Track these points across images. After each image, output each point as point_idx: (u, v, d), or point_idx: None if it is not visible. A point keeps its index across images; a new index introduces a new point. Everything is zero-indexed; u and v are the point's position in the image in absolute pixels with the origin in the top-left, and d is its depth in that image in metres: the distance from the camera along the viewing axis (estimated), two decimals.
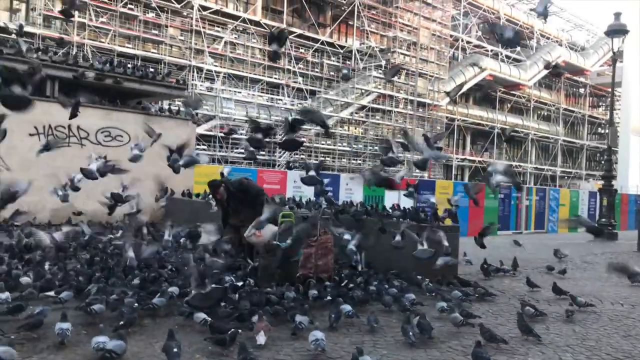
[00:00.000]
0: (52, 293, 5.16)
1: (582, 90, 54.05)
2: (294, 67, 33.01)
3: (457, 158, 40.80)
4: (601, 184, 16.76)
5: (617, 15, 15.66)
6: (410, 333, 4.37)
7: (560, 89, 51.04)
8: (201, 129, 26.47)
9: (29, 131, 11.55)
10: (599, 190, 17.13)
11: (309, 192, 12.21)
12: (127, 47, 27.24)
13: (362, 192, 15.88)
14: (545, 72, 44.80)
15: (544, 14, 6.25)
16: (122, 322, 4.31)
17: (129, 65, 15.57)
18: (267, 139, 6.08)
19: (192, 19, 29.62)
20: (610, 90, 18.64)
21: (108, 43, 26.77)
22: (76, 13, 25.71)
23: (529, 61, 44.73)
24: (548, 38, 48.75)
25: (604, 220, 15.74)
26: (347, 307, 4.88)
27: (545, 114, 50.71)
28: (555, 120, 50.42)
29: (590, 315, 5.60)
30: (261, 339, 4.10)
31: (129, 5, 28.03)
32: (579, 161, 52.51)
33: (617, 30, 15.65)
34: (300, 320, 4.51)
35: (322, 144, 32.61)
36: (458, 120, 40.79)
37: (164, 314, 4.95)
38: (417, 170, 36.69)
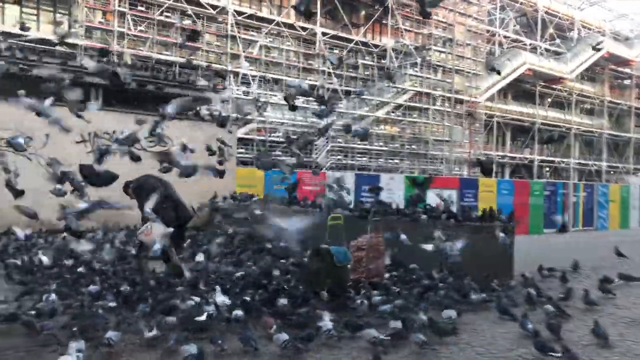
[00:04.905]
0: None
1: (627, 82, 51.97)
2: (328, 68, 32.88)
3: (497, 155, 39.76)
4: None
5: None
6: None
7: (604, 80, 49.19)
8: (240, 133, 26.59)
9: (75, 139, 11.73)
10: None
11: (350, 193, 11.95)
12: (165, 54, 27.66)
13: (403, 193, 15.59)
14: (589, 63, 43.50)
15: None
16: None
17: (169, 72, 15.70)
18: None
19: (227, 24, 29.86)
20: None
21: (146, 51, 27.25)
22: (115, 23, 26.43)
23: (570, 53, 43.29)
24: (589, 29, 47.07)
25: None
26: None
27: (589, 107, 48.97)
28: (600, 113, 48.61)
29: None
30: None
31: (166, 13, 28.46)
32: (626, 155, 50.44)
33: None
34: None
35: (358, 144, 32.32)
36: (497, 116, 39.88)
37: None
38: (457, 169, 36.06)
